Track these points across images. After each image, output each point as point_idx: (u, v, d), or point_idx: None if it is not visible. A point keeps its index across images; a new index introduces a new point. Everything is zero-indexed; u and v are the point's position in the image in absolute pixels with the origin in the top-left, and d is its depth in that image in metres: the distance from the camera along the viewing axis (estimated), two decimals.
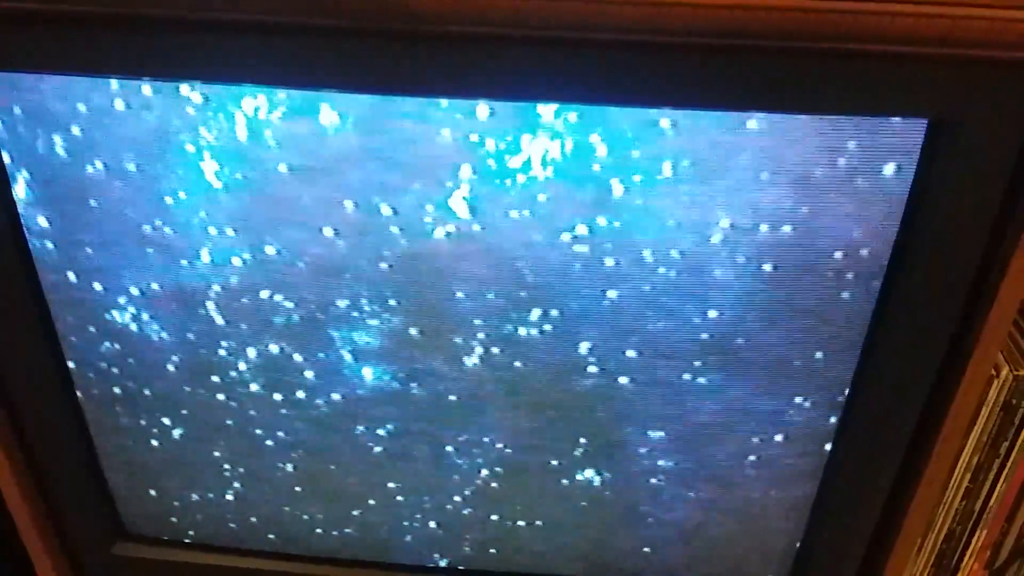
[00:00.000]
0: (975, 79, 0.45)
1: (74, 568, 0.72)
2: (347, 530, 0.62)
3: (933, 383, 0.58)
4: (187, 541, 0.67)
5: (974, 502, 0.69)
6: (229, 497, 0.62)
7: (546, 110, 0.44)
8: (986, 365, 0.57)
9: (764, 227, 0.48)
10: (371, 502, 0.61)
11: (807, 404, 0.54)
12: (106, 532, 0.67)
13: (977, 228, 0.51)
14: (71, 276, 0.52)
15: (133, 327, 0.53)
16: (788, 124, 0.45)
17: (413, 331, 0.52)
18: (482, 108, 0.44)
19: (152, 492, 0.64)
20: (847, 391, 0.56)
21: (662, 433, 0.55)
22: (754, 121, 0.44)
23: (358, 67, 0.43)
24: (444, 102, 0.44)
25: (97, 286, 0.52)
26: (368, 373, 0.54)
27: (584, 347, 0.52)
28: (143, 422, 0.58)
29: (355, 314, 0.51)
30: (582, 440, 0.56)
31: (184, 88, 0.45)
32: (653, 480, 0.57)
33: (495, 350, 0.52)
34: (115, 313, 0.53)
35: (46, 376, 0.58)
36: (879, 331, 0.54)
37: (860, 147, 0.46)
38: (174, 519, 0.65)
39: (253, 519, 0.62)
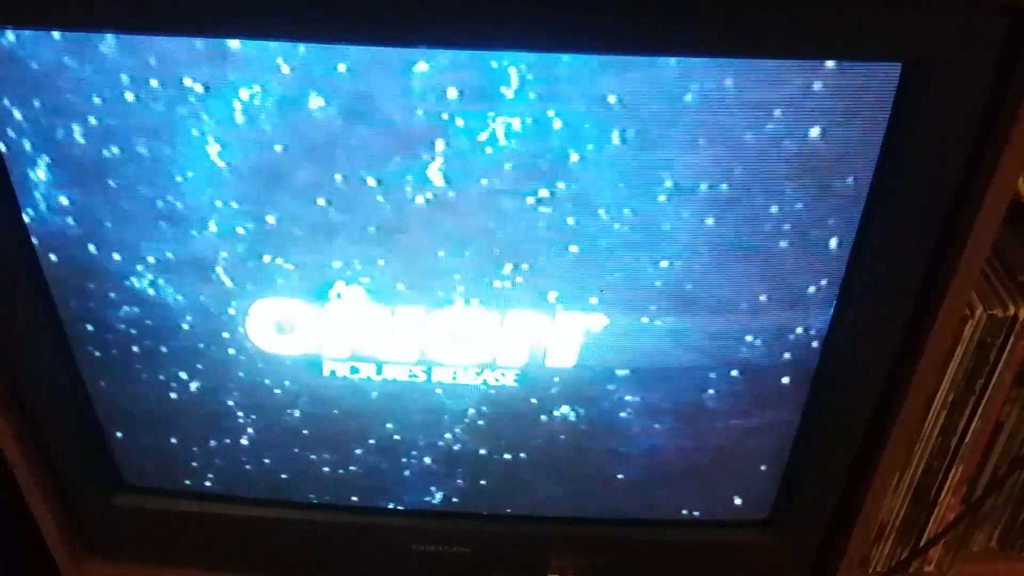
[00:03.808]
0: (948, 19, 0.52)
1: (74, 521, 0.84)
2: (352, 468, 0.76)
3: (908, 323, 0.66)
4: (189, 491, 0.79)
5: (950, 439, 0.78)
6: (244, 442, 0.75)
7: (508, 90, 0.56)
8: (960, 304, 0.65)
9: (727, 182, 0.59)
10: (371, 442, 0.75)
11: (758, 342, 0.67)
12: (105, 484, 0.79)
13: (950, 169, 0.58)
14: (92, 248, 0.65)
15: (151, 292, 0.66)
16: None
17: (400, 286, 0.66)
18: (452, 90, 0.56)
19: (155, 443, 0.76)
20: (823, 331, 0.66)
21: (627, 371, 0.68)
22: (694, 91, 0.55)
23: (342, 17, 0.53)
24: (417, 84, 0.56)
25: (116, 256, 0.65)
26: (360, 326, 0.68)
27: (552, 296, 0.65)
28: (161, 377, 0.71)
29: (348, 273, 0.65)
30: (556, 379, 0.69)
31: (187, 80, 0.58)
32: (622, 414, 0.70)
33: (473, 299, 0.66)
34: (133, 280, 0.66)
35: (42, 335, 0.70)
36: (853, 272, 0.63)
37: (828, 91, 0.55)
38: (177, 470, 0.78)
39: (266, 460, 0.76)
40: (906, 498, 0.83)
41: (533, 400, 0.71)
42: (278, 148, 0.59)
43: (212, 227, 0.63)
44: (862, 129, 0.57)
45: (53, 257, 0.65)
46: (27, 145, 0.60)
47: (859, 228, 0.61)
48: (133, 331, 0.69)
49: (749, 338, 0.66)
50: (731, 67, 0.55)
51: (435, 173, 0.59)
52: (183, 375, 0.71)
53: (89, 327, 0.69)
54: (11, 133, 0.60)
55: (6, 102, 0.59)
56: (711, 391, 0.69)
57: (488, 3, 0.53)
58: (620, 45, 0.55)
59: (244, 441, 0.75)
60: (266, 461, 0.77)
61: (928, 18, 0.52)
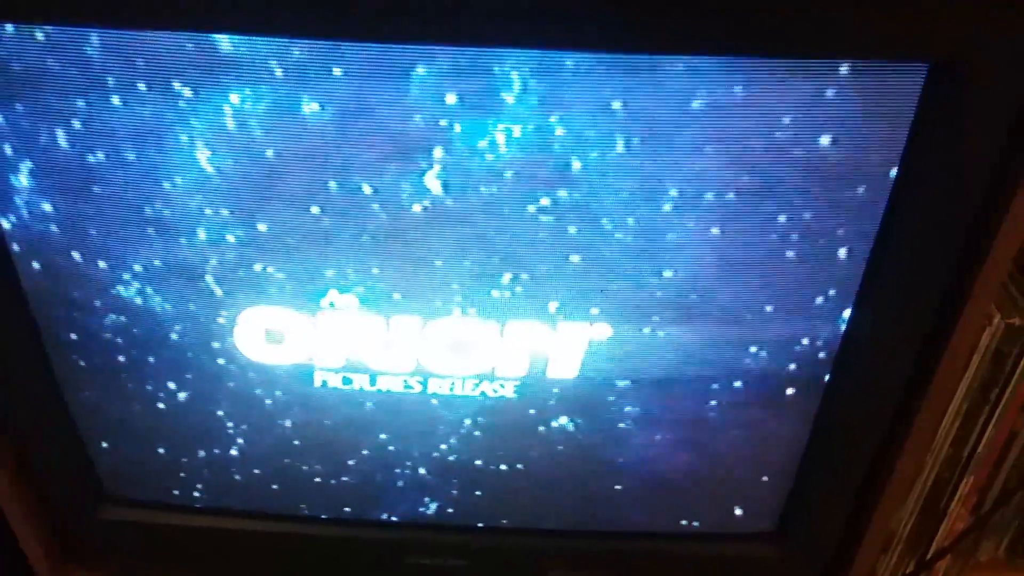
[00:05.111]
0: (977, 18, 0.52)
1: (56, 531, 0.85)
2: (344, 478, 0.77)
3: (927, 330, 0.66)
4: (176, 503, 0.80)
5: (962, 449, 0.80)
6: (233, 452, 0.75)
7: (510, 96, 0.57)
8: (980, 316, 0.66)
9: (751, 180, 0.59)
10: (364, 452, 0.75)
11: (764, 353, 0.67)
12: (88, 495, 0.80)
13: (974, 177, 0.58)
14: (76, 256, 0.65)
15: (138, 300, 0.66)
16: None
17: (396, 295, 0.67)
18: (450, 96, 0.57)
19: (142, 454, 0.76)
20: (831, 342, 0.67)
21: (628, 382, 0.69)
22: (701, 96, 0.56)
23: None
24: (416, 91, 0.57)
25: (102, 264, 0.65)
26: (354, 336, 0.68)
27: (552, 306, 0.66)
28: (148, 387, 0.71)
29: (341, 282, 0.65)
30: (555, 390, 0.70)
31: (176, 83, 0.58)
32: (623, 425, 0.71)
33: (471, 309, 0.67)
34: (120, 288, 0.66)
35: (22, 345, 0.70)
36: (870, 282, 0.64)
37: (847, 95, 0.55)
38: (164, 481, 0.78)
39: (256, 471, 0.77)
40: (915, 509, 0.84)
41: (532, 411, 0.71)
42: (270, 154, 0.59)
43: (201, 235, 0.63)
44: (883, 134, 0.57)
45: (36, 265, 0.66)
46: (8, 149, 0.60)
47: (877, 237, 0.62)
48: (120, 340, 0.69)
49: (754, 349, 0.67)
50: (742, 70, 0.55)
51: (432, 181, 0.60)
52: (171, 385, 0.72)
53: (73, 336, 0.69)
54: None
55: None
56: (714, 402, 0.70)
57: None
58: (640, 44, 0.54)
59: (234, 452, 0.76)
60: (256, 472, 0.77)
61: (956, 17, 0.52)
